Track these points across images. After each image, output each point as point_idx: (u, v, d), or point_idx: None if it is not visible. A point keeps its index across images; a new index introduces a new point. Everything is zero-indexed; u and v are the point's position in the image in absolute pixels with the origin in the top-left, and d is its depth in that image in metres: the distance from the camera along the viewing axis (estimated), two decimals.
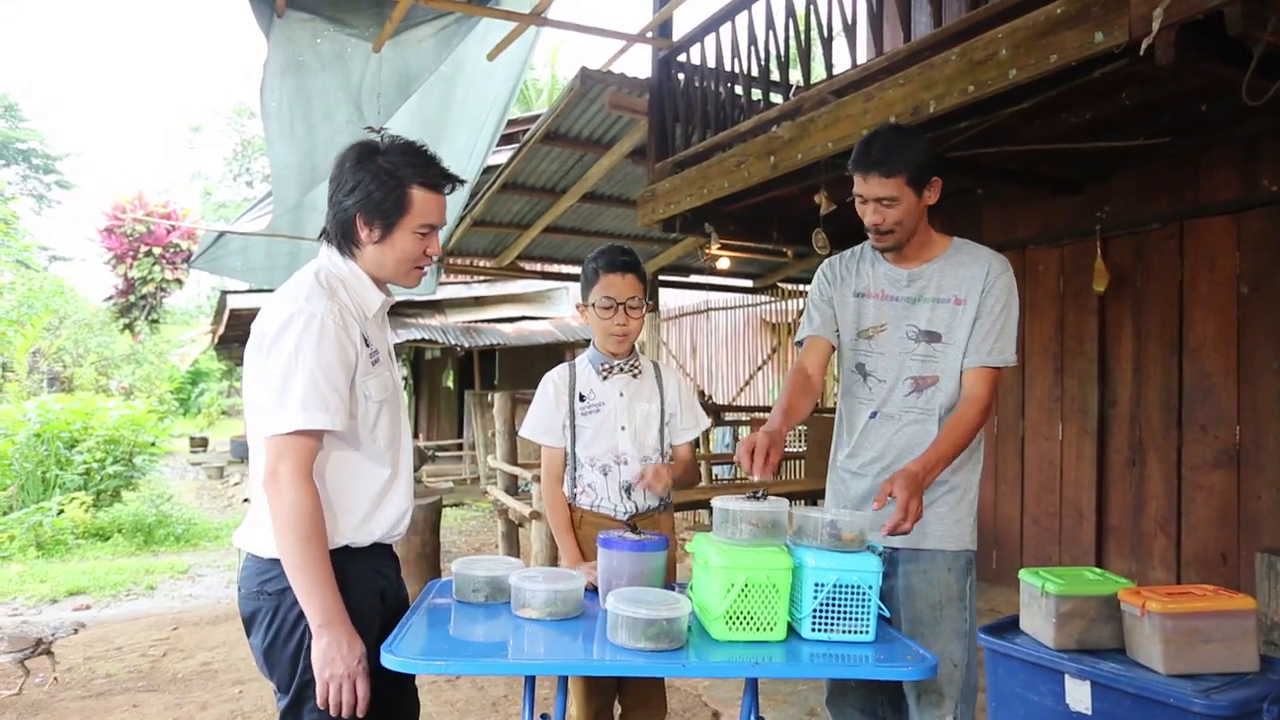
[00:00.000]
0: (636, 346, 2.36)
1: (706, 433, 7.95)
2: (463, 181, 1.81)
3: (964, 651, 2.03)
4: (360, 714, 1.59)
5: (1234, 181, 4.02)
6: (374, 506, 1.71)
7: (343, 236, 1.73)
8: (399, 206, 1.69)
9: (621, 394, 2.26)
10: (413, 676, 1.88)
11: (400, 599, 1.85)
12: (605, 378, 2.27)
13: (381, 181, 1.67)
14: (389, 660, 1.54)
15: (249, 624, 1.69)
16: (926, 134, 3.37)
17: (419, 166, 1.71)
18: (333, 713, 1.58)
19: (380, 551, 1.77)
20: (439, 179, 1.74)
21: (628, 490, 2.23)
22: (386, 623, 1.73)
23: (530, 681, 1.84)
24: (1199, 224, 4.16)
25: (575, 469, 2.27)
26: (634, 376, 2.28)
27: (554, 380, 2.33)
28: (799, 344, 2.27)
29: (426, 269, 1.82)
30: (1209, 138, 4.01)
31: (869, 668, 1.64)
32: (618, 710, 2.35)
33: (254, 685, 3.91)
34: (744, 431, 9.93)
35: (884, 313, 2.11)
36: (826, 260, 2.27)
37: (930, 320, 2.06)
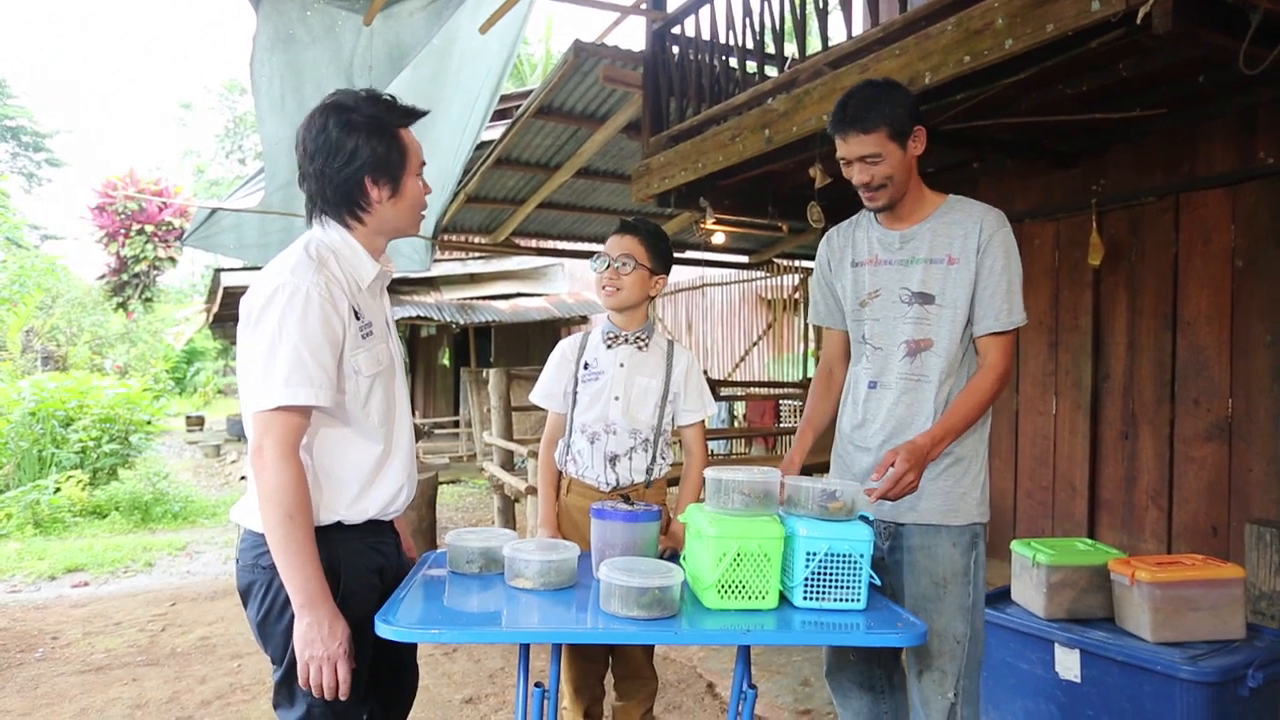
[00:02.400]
0: (653, 320, 2.37)
1: None
2: (425, 112, 1.75)
3: (967, 627, 1.98)
4: (342, 696, 1.58)
5: (1230, 154, 4.01)
6: (368, 483, 1.69)
7: (349, 203, 1.67)
8: (402, 158, 1.68)
9: (622, 365, 2.27)
10: (413, 651, 1.90)
11: (401, 574, 1.85)
12: (610, 347, 2.30)
13: (377, 138, 1.64)
14: (384, 629, 1.54)
15: (245, 597, 1.69)
16: (923, 106, 3.36)
17: (393, 110, 1.68)
18: (314, 694, 1.58)
19: (378, 527, 1.75)
20: (413, 114, 1.72)
21: (613, 461, 2.24)
22: (386, 598, 1.72)
23: (525, 651, 1.85)
24: (1194, 197, 4.15)
25: (569, 435, 2.30)
26: (639, 349, 2.29)
27: (564, 347, 2.39)
28: (813, 325, 2.29)
29: (424, 211, 1.81)
30: (1205, 110, 3.99)
31: (860, 635, 1.65)
32: (610, 681, 2.37)
33: (252, 659, 3.94)
34: (739, 407, 9.95)
35: (879, 277, 2.06)
36: (825, 235, 2.22)
37: (923, 281, 2.00)
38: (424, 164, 1.75)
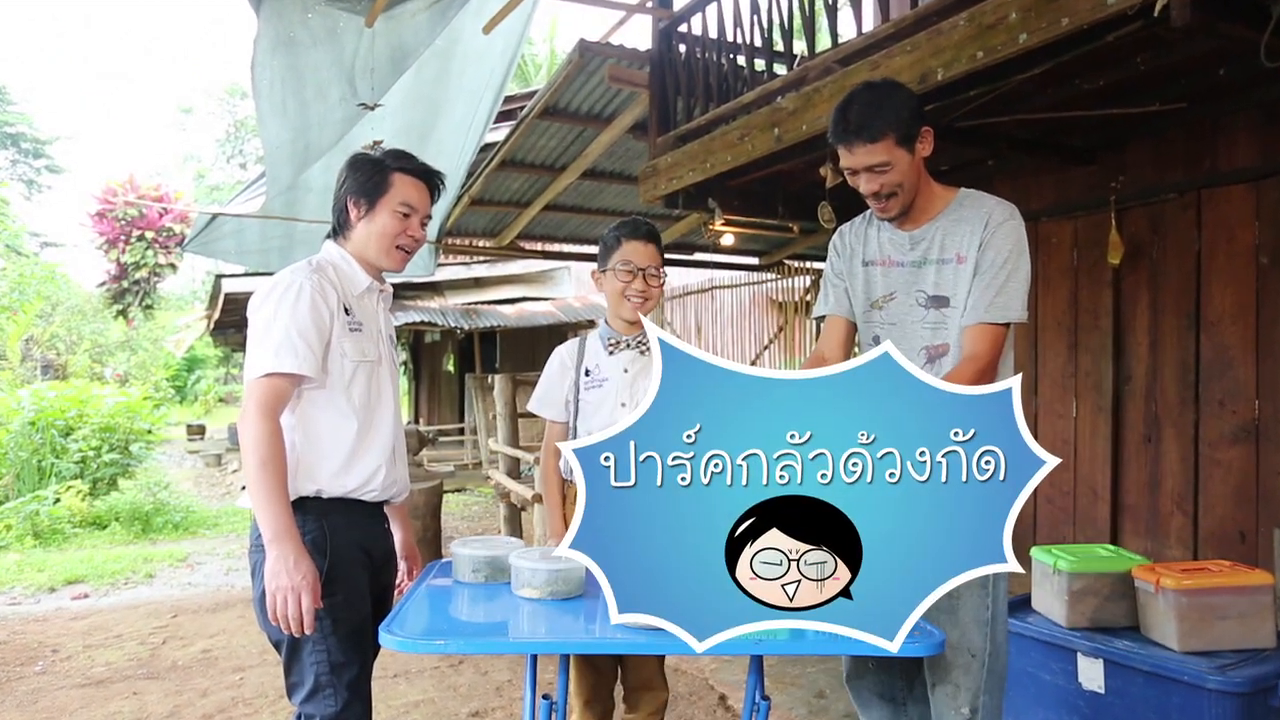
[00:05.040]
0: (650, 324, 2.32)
1: None
2: (442, 180, 2.05)
3: (985, 641, 1.90)
4: (308, 630, 1.71)
5: (1253, 149, 3.93)
6: (347, 460, 1.86)
7: (338, 221, 1.99)
8: (381, 186, 1.95)
9: (626, 370, 2.22)
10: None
11: (390, 556, 2.05)
12: (612, 353, 2.26)
13: (367, 169, 1.96)
14: (388, 640, 1.51)
15: (252, 575, 1.85)
16: (935, 103, 3.30)
17: (399, 158, 1.99)
18: (282, 628, 1.70)
19: (362, 509, 1.91)
20: (417, 166, 2.00)
21: None
22: (375, 574, 1.94)
23: (532, 662, 1.81)
24: (1216, 193, 4.06)
25: None
26: (641, 353, 2.24)
27: (562, 354, 2.34)
28: (818, 320, 2.18)
29: (411, 253, 2.01)
30: (1227, 104, 3.91)
31: (872, 644, 1.58)
32: (619, 693, 2.31)
33: (254, 672, 3.87)
34: None
35: (892, 280, 2.00)
36: (837, 230, 2.17)
37: (937, 284, 1.94)
38: (414, 208, 1.95)
